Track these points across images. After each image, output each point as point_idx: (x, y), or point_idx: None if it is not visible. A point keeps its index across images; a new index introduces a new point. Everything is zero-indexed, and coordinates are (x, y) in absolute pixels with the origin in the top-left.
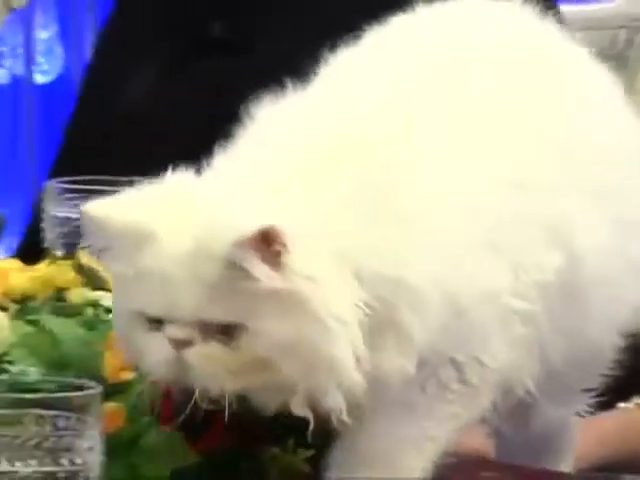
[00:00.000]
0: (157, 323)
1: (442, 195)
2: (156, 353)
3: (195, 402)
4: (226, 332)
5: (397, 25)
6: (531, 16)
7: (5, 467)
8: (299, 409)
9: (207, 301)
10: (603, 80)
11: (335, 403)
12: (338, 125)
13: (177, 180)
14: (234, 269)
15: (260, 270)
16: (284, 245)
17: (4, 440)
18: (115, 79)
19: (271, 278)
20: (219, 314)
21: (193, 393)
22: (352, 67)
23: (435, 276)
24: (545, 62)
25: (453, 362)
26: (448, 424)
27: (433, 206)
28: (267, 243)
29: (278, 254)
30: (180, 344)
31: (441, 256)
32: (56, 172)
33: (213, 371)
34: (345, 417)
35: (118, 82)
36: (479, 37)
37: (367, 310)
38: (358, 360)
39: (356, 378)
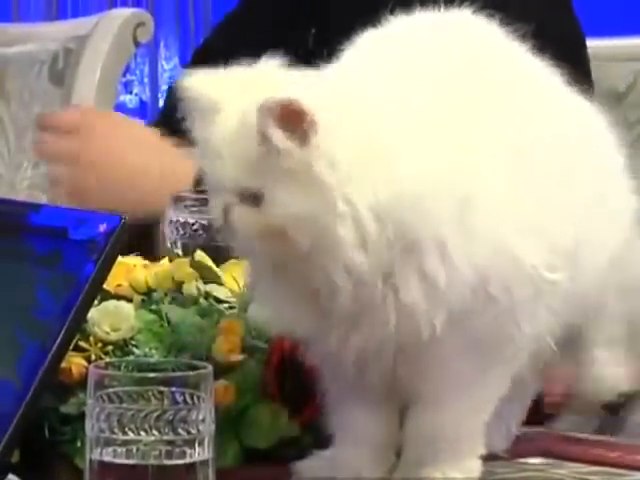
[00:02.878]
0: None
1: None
2: (215, 217)
3: (299, 378)
4: (255, 199)
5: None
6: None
7: (132, 436)
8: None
9: (241, 171)
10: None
11: (341, 281)
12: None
13: (266, 66)
14: (264, 139)
15: (279, 140)
16: (313, 124)
17: (130, 413)
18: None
19: (289, 152)
20: (248, 182)
21: (299, 372)
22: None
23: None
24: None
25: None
26: (496, 394)
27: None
28: (296, 119)
29: (305, 132)
30: (225, 209)
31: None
32: None
33: (246, 230)
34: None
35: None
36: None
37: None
38: (364, 243)
39: (358, 259)
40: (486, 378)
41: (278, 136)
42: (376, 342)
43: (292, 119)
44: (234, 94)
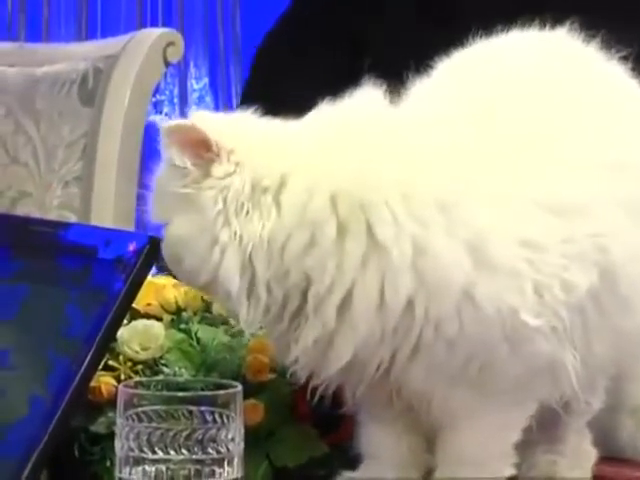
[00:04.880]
0: None
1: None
2: None
3: (328, 401)
4: None
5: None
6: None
7: (161, 455)
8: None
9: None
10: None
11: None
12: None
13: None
14: (173, 168)
15: (180, 161)
16: (217, 155)
17: (159, 432)
18: (281, 80)
19: (186, 175)
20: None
21: (327, 393)
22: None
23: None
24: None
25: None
26: (523, 415)
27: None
28: (204, 147)
29: (211, 161)
30: None
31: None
32: None
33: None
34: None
35: (284, 83)
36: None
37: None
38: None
39: (233, 286)
40: (516, 402)
41: (180, 160)
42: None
43: (203, 149)
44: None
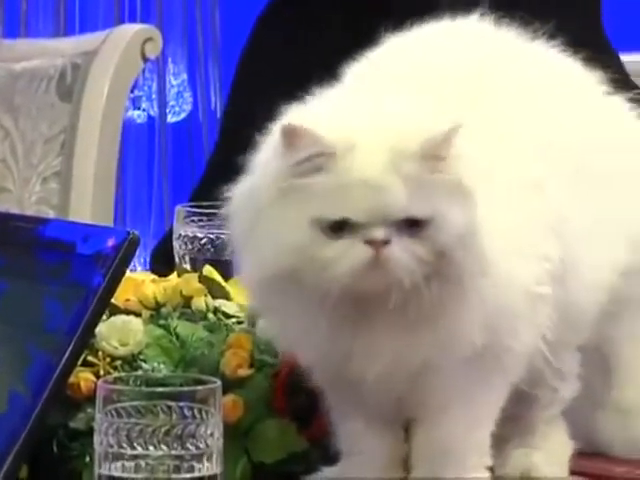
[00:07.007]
0: (337, 231)
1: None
2: (351, 257)
3: (307, 393)
4: (414, 226)
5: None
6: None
7: (140, 451)
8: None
9: (412, 199)
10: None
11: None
12: None
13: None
14: (426, 165)
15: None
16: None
17: (138, 428)
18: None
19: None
20: (421, 209)
21: (303, 385)
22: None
23: None
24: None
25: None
26: (497, 404)
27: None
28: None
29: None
30: (380, 244)
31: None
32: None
33: (407, 262)
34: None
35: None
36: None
37: None
38: None
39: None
40: (487, 389)
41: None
42: (399, 366)
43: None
44: (360, 130)
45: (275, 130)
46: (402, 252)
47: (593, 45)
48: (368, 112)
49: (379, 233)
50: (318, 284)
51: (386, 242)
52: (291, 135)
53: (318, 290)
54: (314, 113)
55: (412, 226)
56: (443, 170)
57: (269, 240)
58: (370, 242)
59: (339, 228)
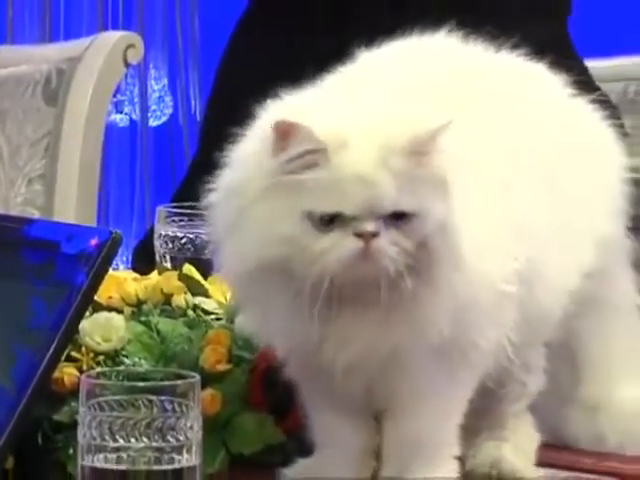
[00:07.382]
0: (328, 224)
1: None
2: (342, 249)
3: (283, 387)
4: (400, 219)
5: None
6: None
7: (122, 443)
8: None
9: (401, 193)
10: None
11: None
12: None
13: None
14: (414, 160)
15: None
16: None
17: (120, 421)
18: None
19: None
20: (409, 203)
21: (280, 379)
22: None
23: None
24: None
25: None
26: (465, 397)
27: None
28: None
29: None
30: (370, 236)
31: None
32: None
33: (393, 254)
34: None
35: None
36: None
37: None
38: None
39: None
40: (454, 383)
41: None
42: (369, 353)
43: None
44: (351, 126)
45: (258, 125)
46: (389, 244)
47: (558, 50)
48: (356, 110)
49: (370, 226)
50: (308, 274)
51: (375, 235)
52: (283, 132)
53: (307, 280)
54: (303, 111)
55: (398, 219)
56: (428, 165)
57: (255, 232)
58: (360, 235)
59: (330, 221)
